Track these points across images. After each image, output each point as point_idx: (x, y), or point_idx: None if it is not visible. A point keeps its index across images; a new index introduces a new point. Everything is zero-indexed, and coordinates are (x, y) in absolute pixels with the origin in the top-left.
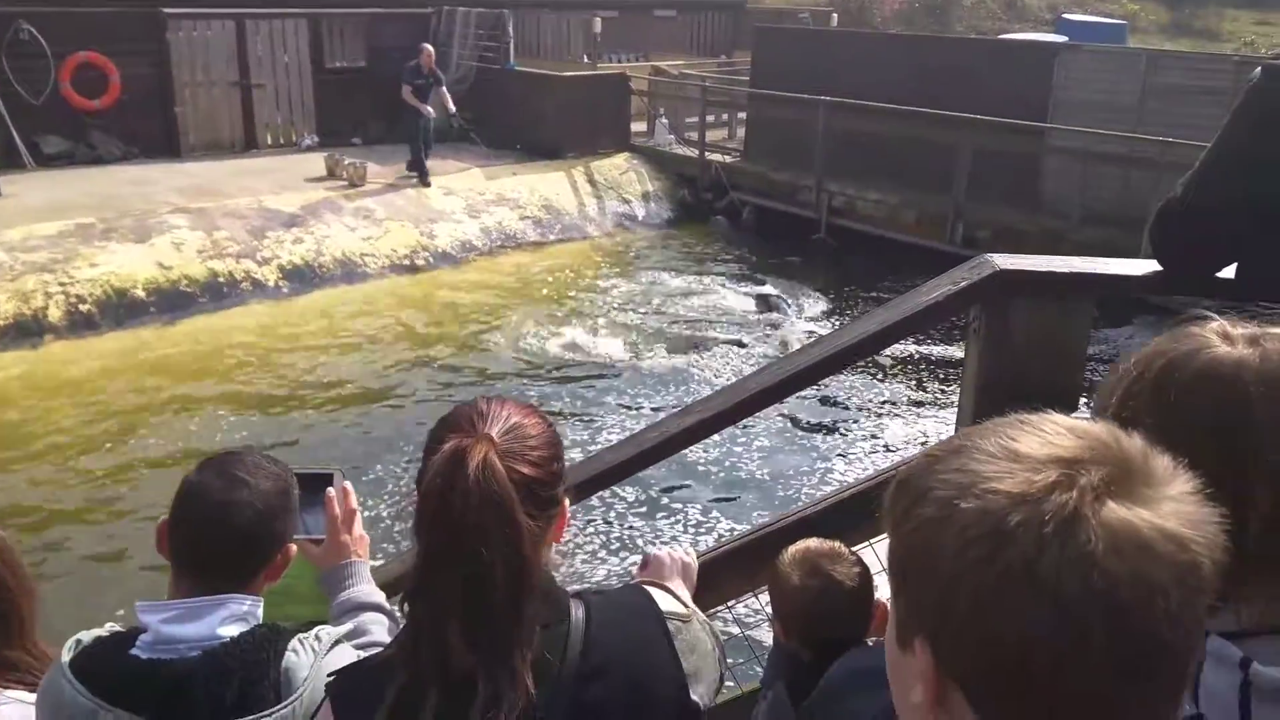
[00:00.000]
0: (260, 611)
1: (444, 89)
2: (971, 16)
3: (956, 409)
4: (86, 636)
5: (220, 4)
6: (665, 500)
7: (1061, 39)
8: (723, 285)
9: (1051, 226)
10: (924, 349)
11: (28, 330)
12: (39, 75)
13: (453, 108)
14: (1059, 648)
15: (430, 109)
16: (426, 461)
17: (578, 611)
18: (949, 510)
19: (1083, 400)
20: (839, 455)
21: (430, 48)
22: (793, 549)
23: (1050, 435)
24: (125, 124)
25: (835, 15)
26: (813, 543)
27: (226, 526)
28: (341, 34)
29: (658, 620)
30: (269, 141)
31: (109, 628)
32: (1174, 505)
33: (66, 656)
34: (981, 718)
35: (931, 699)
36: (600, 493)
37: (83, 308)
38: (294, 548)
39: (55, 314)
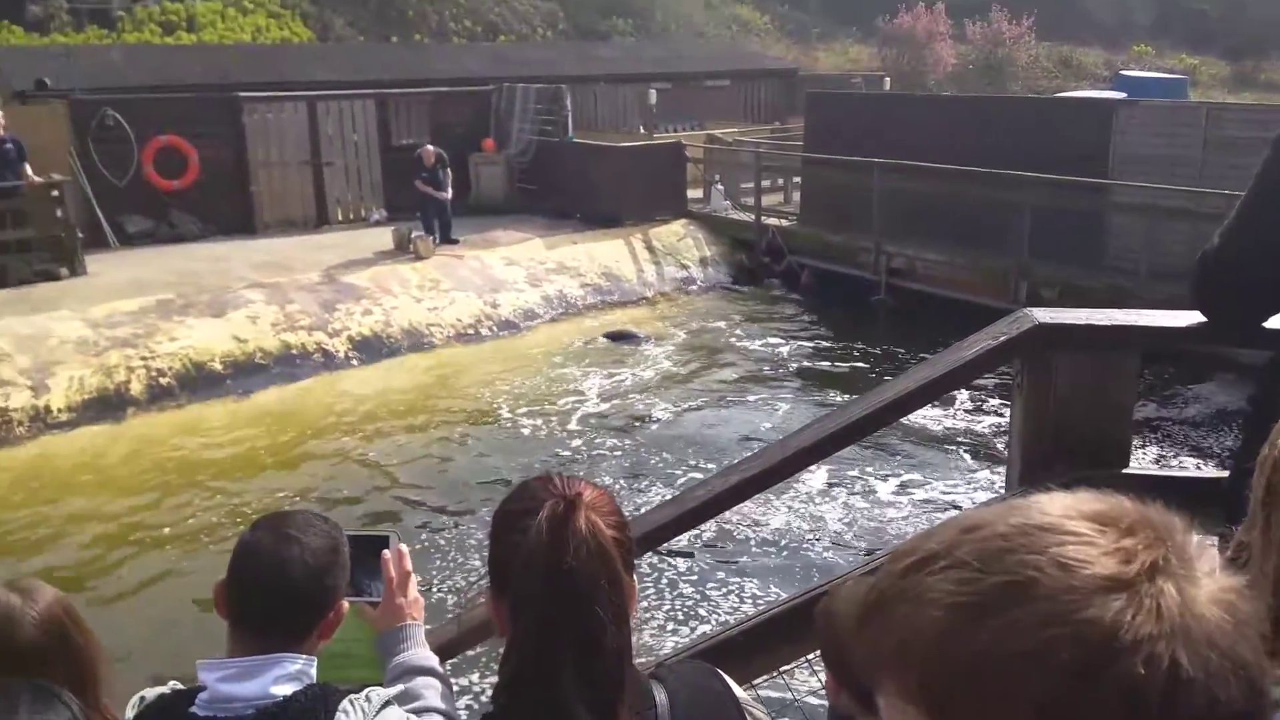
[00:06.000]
0: (314, 671)
1: (448, 170)
2: (1027, 75)
3: (1006, 464)
4: (150, 694)
5: (293, 87)
6: (715, 566)
7: (1119, 95)
8: (779, 346)
9: (1118, 284)
10: (974, 403)
11: (110, 404)
12: (123, 158)
13: (448, 193)
14: None
15: (444, 193)
16: (504, 529)
17: (660, 695)
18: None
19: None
20: (888, 513)
21: (431, 148)
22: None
23: (1104, 544)
24: (203, 203)
25: (888, 79)
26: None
27: (279, 583)
28: (408, 112)
29: (736, 705)
30: (339, 217)
31: (172, 685)
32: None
33: (130, 714)
34: None
35: None
36: (650, 558)
37: (163, 380)
38: (346, 605)
39: (137, 387)
